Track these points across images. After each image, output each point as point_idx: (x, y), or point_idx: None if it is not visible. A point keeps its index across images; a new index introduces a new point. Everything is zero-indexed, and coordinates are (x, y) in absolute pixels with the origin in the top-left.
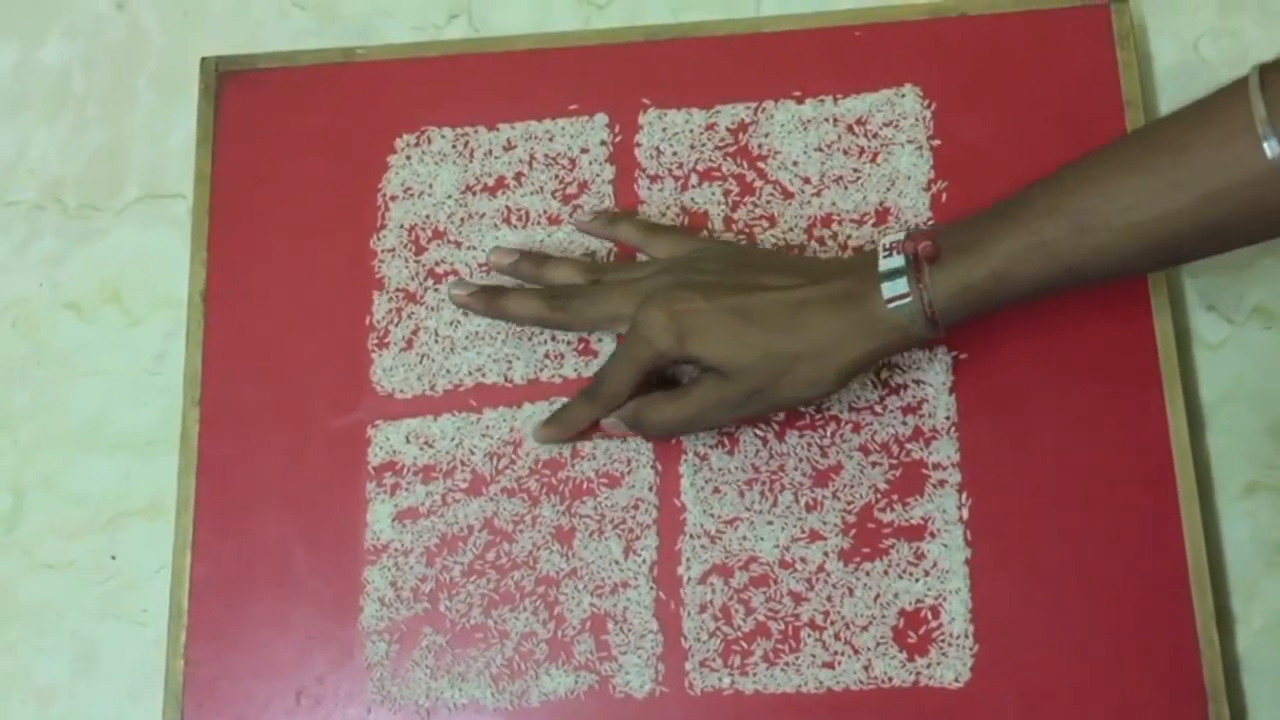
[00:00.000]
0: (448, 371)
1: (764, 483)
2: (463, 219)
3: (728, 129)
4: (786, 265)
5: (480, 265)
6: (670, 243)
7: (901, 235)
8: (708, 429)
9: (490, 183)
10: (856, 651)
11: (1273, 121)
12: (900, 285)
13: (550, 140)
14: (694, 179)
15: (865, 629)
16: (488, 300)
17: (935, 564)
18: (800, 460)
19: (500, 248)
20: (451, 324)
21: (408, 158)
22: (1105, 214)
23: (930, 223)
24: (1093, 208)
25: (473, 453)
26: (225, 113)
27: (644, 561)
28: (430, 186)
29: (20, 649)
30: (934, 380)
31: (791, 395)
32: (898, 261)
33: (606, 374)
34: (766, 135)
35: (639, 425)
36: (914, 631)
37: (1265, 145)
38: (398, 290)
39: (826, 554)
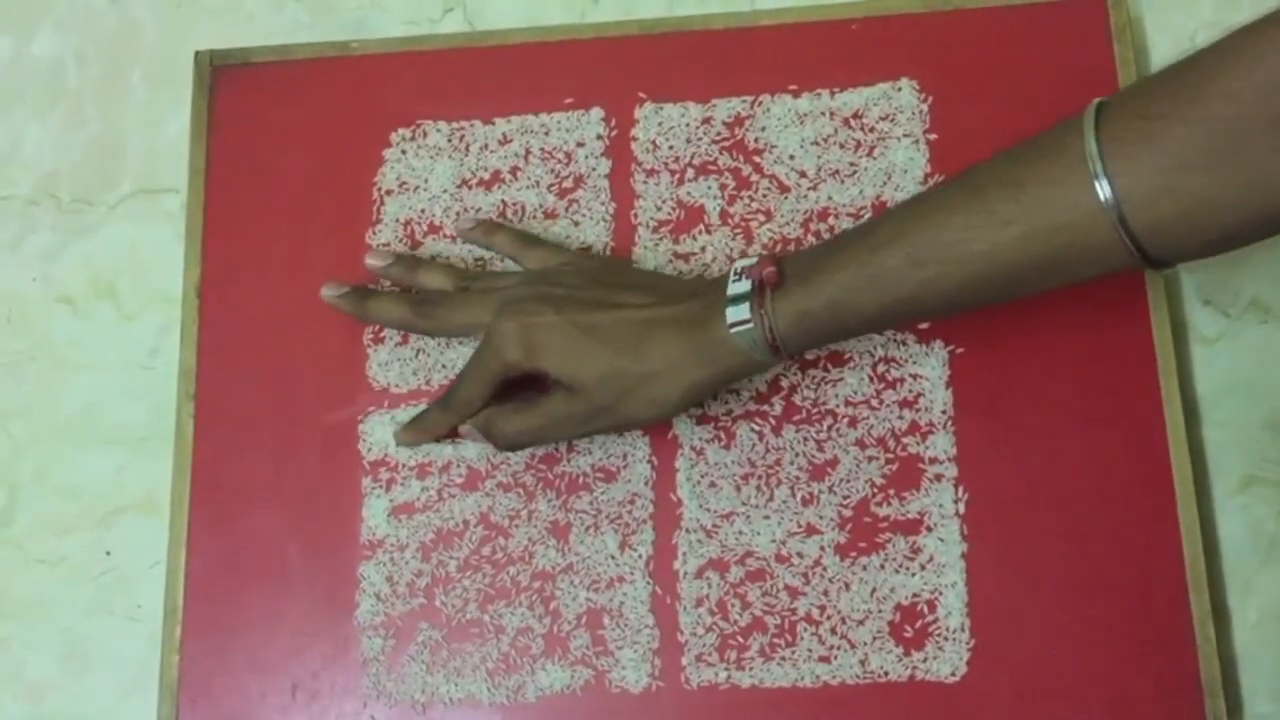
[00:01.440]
0: (443, 366)
1: (760, 477)
2: (458, 213)
3: (724, 123)
4: (645, 284)
5: (475, 260)
6: (542, 255)
7: (754, 260)
8: (556, 441)
9: (486, 177)
10: (853, 646)
11: (1104, 160)
12: (743, 311)
13: (546, 134)
14: (690, 173)
15: (861, 623)
16: (355, 302)
17: (931, 558)
18: (797, 454)
19: (377, 250)
20: None
21: (403, 152)
22: (938, 247)
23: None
24: (927, 240)
25: (468, 447)
26: (219, 107)
27: (640, 556)
28: (425, 181)
29: (13, 645)
30: (931, 374)
31: (634, 414)
32: (744, 286)
33: (460, 384)
34: (763, 129)
35: (489, 434)
36: (910, 626)
37: (1096, 184)
38: (393, 285)
39: (823, 548)
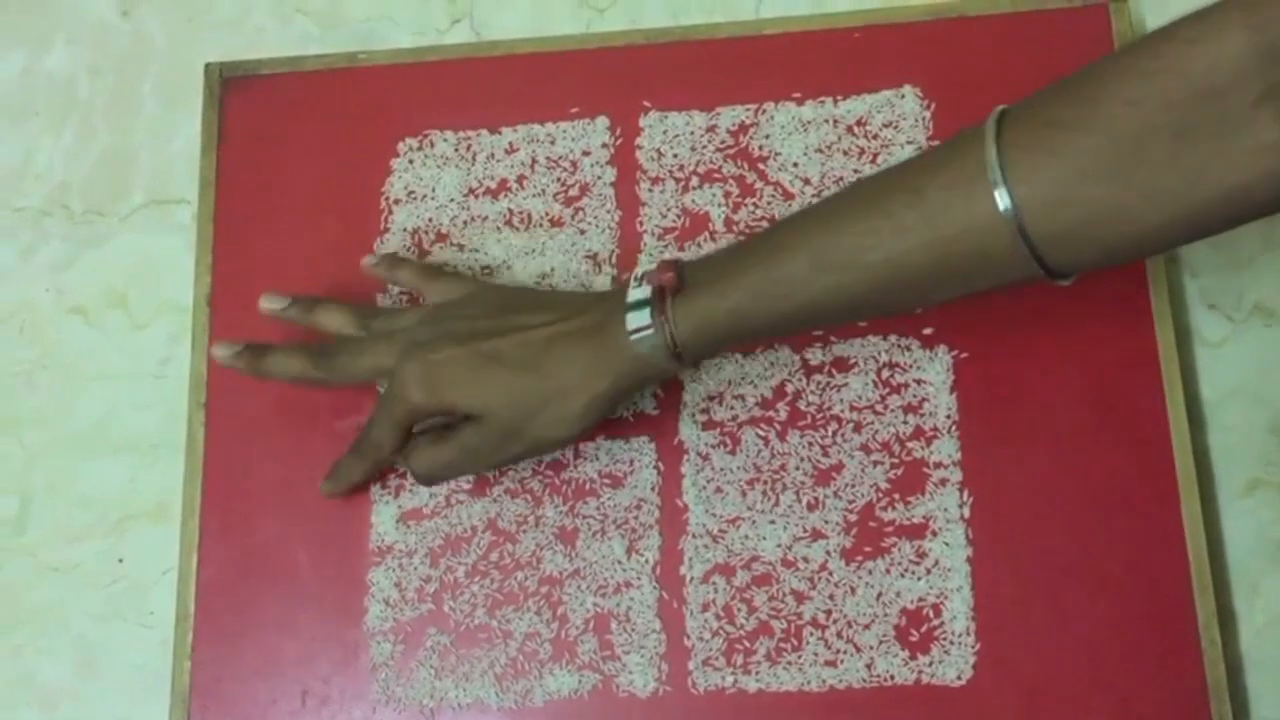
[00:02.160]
0: None
1: (766, 482)
2: (465, 222)
3: (728, 131)
4: (546, 303)
5: (483, 269)
6: (446, 287)
7: (654, 266)
8: (472, 473)
9: (493, 185)
10: (859, 650)
11: (1004, 169)
12: (643, 317)
13: (552, 143)
14: (695, 181)
15: (867, 627)
16: (250, 360)
17: (937, 562)
18: (802, 459)
19: (269, 294)
20: None
21: (410, 161)
22: (840, 252)
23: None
24: (830, 245)
25: None
26: (229, 118)
27: (647, 561)
28: (433, 190)
29: (26, 652)
30: (935, 379)
31: (542, 435)
32: (643, 293)
33: (370, 429)
34: (767, 137)
35: (409, 468)
36: (916, 630)
37: (995, 194)
38: (401, 294)
39: (828, 553)
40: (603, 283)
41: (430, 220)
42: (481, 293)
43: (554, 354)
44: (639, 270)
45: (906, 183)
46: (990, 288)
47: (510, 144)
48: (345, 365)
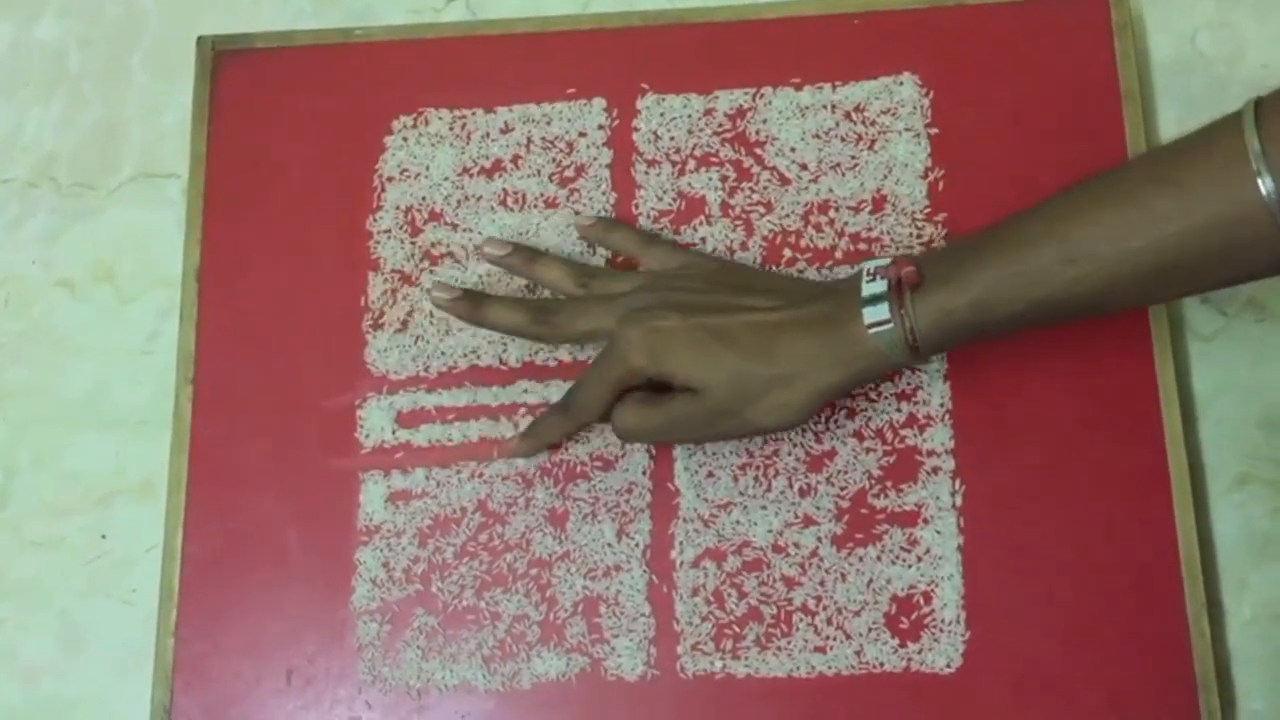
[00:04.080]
0: (442, 353)
1: (758, 468)
2: (459, 201)
3: (726, 114)
4: (770, 286)
5: (476, 247)
6: (662, 255)
7: (886, 261)
8: (676, 443)
9: (487, 165)
10: (848, 636)
11: (1267, 158)
12: (881, 311)
13: (548, 124)
14: (691, 164)
15: (857, 614)
16: (470, 307)
17: (928, 550)
18: (794, 445)
19: (493, 239)
20: None
21: (405, 139)
22: (1091, 243)
23: (919, 248)
24: (1080, 236)
25: (466, 435)
26: (221, 92)
27: (637, 545)
28: (427, 168)
29: (8, 627)
30: (928, 367)
31: (760, 420)
32: (880, 287)
33: (580, 388)
34: (764, 121)
35: (613, 424)
36: (906, 617)
37: (1260, 182)
38: (393, 271)
39: (819, 539)
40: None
41: (424, 199)
42: (701, 264)
43: (783, 341)
44: (868, 265)
45: (1159, 173)
46: (1240, 279)
47: (506, 124)
48: (564, 324)
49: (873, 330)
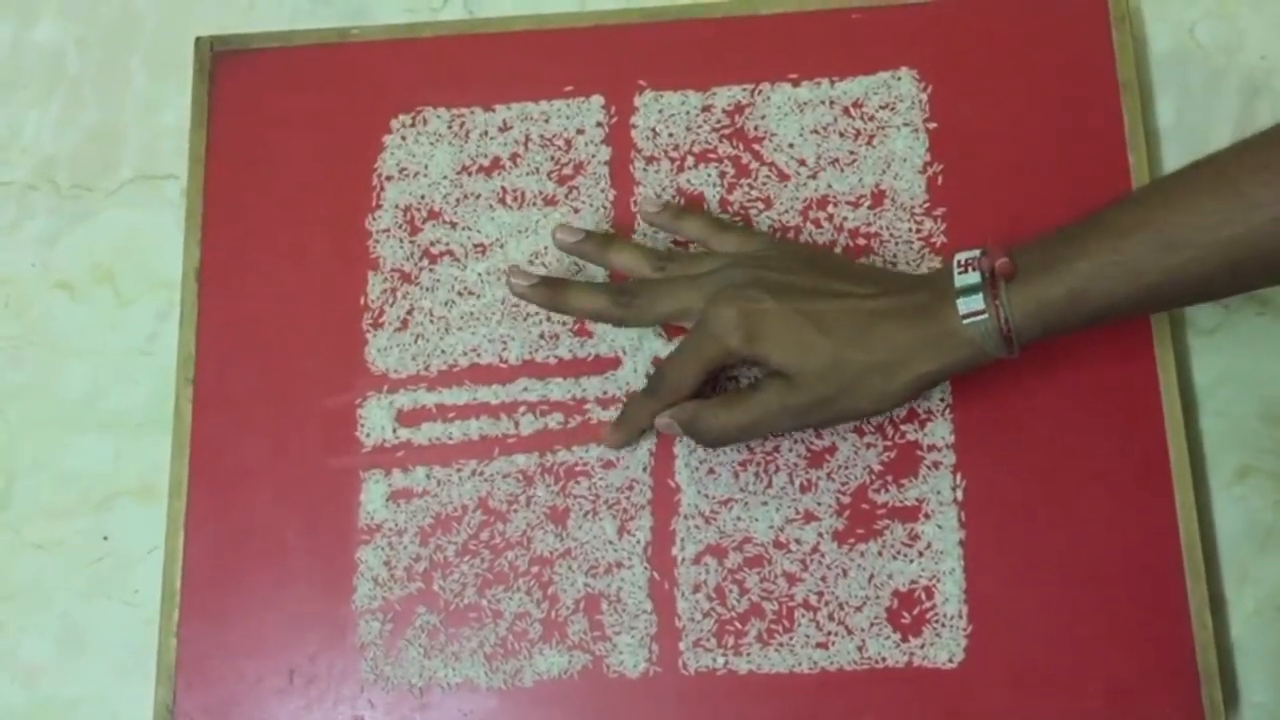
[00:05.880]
0: (442, 352)
1: (758, 464)
2: (458, 199)
3: (724, 111)
4: (859, 274)
5: (475, 246)
6: (737, 239)
7: (976, 252)
8: (766, 436)
9: (486, 163)
10: (850, 632)
11: None
12: (976, 301)
13: (546, 121)
14: (690, 161)
15: (859, 610)
16: (550, 294)
17: (929, 545)
18: (795, 441)
19: (565, 225)
20: (446, 304)
21: (403, 138)
22: (1190, 231)
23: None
24: (1178, 224)
25: (467, 434)
26: (220, 93)
27: (638, 542)
28: (426, 167)
29: (9, 629)
30: None
31: (855, 407)
32: (974, 278)
33: (668, 368)
34: (763, 117)
35: (694, 429)
36: (908, 612)
37: None
38: (393, 270)
39: (821, 535)
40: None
41: (423, 197)
42: (784, 248)
43: (880, 329)
44: (959, 256)
45: (1254, 160)
46: None
47: (504, 121)
48: (646, 305)
49: (968, 321)
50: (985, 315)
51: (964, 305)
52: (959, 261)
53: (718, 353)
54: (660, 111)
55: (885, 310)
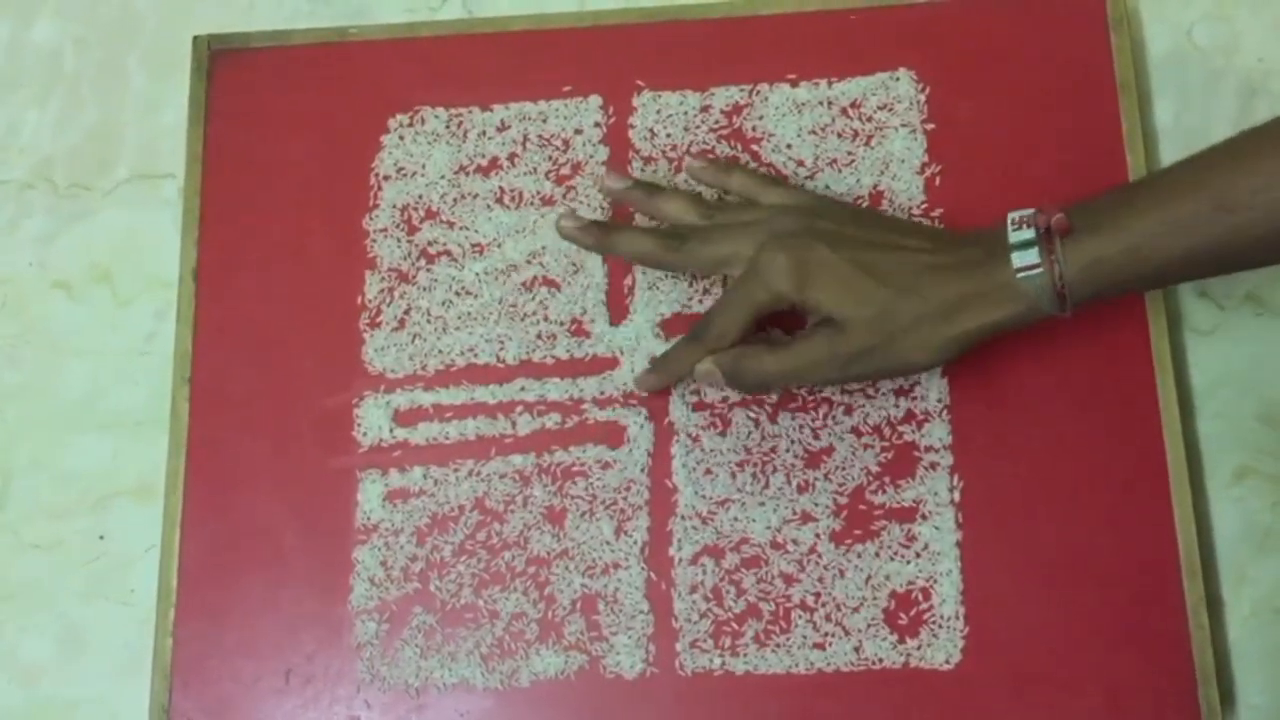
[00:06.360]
0: (439, 351)
1: (756, 464)
2: (456, 199)
3: (722, 111)
4: (909, 229)
5: (473, 246)
6: (782, 194)
7: (1030, 211)
8: (809, 385)
9: (484, 163)
10: (847, 633)
11: None
12: (1031, 255)
13: (544, 121)
14: (688, 161)
15: (856, 610)
16: (599, 235)
17: (926, 546)
18: (792, 442)
19: (613, 172)
20: (444, 304)
21: (401, 138)
22: (1249, 194)
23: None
24: (1236, 185)
25: (464, 433)
26: (217, 92)
27: (635, 542)
28: (423, 167)
29: (7, 629)
30: None
31: (902, 359)
32: (1028, 234)
33: (716, 314)
34: (761, 118)
35: (736, 375)
36: (905, 613)
37: None
38: (390, 270)
39: (818, 535)
40: (595, 263)
41: (420, 197)
42: (831, 202)
43: (933, 280)
44: (1012, 215)
45: None
46: None
47: (502, 121)
48: (696, 249)
49: (1021, 275)
50: (1040, 269)
51: (1019, 259)
52: (1013, 219)
53: (768, 298)
54: (658, 112)
55: (938, 264)
